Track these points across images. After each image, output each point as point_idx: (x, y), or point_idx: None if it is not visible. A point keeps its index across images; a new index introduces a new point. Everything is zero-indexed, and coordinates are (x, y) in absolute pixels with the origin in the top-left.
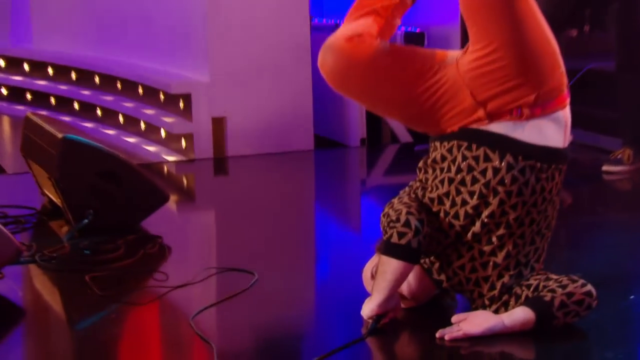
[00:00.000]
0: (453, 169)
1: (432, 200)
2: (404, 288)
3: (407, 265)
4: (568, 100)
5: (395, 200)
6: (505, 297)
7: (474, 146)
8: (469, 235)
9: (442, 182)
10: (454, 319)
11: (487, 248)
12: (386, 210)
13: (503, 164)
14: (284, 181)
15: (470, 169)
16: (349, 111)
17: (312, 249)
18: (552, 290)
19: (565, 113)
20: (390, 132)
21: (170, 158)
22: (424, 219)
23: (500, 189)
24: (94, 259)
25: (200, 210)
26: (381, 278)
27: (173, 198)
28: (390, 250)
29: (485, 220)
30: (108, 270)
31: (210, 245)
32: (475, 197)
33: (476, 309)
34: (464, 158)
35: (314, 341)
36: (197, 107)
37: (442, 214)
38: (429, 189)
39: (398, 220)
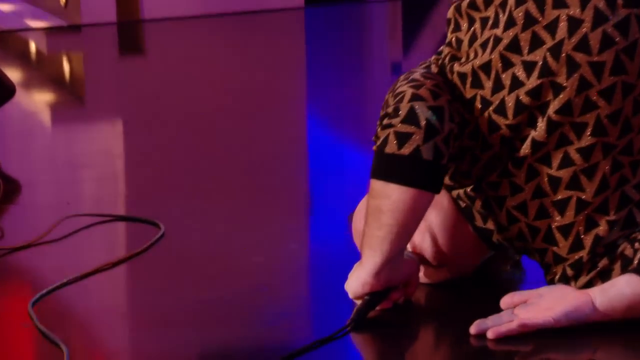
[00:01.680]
0: (501, 20)
1: (463, 77)
2: (423, 243)
3: (418, 195)
4: None
5: (402, 77)
6: (603, 262)
7: None
8: (527, 146)
9: (483, 45)
10: (505, 301)
11: (563, 173)
12: (386, 97)
13: (587, 11)
14: (246, 64)
15: (529, 20)
16: None
17: (281, 184)
18: None
19: None
20: None
21: (39, 24)
22: (444, 106)
23: (580, 58)
24: None
25: (85, 117)
26: (374, 223)
27: (40, 96)
28: (385, 168)
29: (555, 117)
30: None
31: (91, 178)
32: (536, 73)
33: (552, 282)
34: (520, 0)
35: (255, 340)
36: None
37: (478, 104)
38: (463, 57)
39: (396, 112)
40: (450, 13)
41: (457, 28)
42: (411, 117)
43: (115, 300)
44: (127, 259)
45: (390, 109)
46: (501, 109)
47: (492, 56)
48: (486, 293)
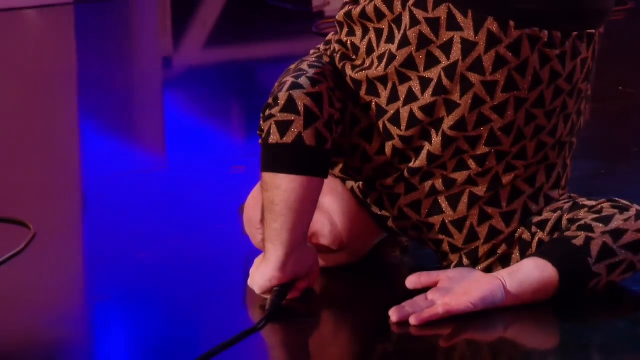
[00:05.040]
0: (396, 37)
1: (357, 84)
2: (323, 229)
3: (307, 182)
4: None
5: (292, 66)
6: (502, 248)
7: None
8: (423, 158)
9: (379, 58)
10: (412, 280)
11: (458, 175)
12: (273, 87)
13: (480, 34)
14: (15, 63)
15: (423, 40)
16: None
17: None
18: (586, 227)
19: None
20: None
21: None
22: (323, 92)
23: (474, 77)
24: None
25: None
26: (270, 216)
27: None
28: (271, 159)
29: (450, 133)
30: None
31: None
32: (431, 90)
33: (448, 267)
34: (414, 21)
35: (171, 338)
36: None
37: (373, 110)
38: (358, 61)
39: (276, 101)
40: (339, 17)
41: (352, 33)
42: (290, 105)
43: None
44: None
45: (270, 100)
46: (395, 120)
47: (388, 71)
48: (380, 278)
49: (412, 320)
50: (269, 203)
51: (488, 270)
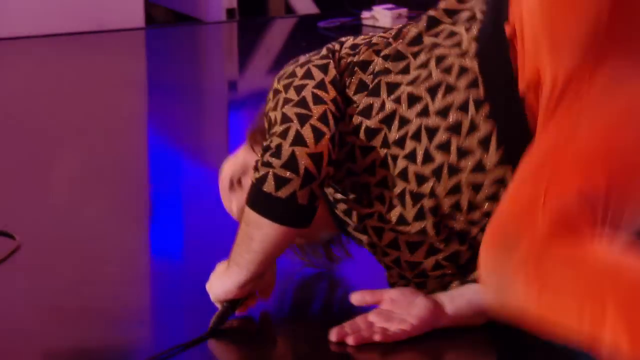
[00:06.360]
0: (430, 64)
1: (412, 99)
2: None
3: (288, 231)
4: None
5: (299, 73)
6: (445, 278)
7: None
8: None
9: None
10: (356, 298)
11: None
12: (270, 103)
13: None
14: (86, 84)
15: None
16: None
17: (140, 198)
18: None
19: None
20: (283, 1)
21: None
22: (324, 152)
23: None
24: None
25: None
26: (244, 246)
27: None
28: (261, 203)
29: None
30: None
31: None
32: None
33: (394, 284)
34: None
35: (117, 348)
36: None
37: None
38: (409, 77)
39: (278, 153)
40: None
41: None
42: (291, 163)
43: None
44: None
45: (273, 145)
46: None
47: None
48: (332, 287)
49: (350, 341)
50: (247, 237)
51: (432, 292)
